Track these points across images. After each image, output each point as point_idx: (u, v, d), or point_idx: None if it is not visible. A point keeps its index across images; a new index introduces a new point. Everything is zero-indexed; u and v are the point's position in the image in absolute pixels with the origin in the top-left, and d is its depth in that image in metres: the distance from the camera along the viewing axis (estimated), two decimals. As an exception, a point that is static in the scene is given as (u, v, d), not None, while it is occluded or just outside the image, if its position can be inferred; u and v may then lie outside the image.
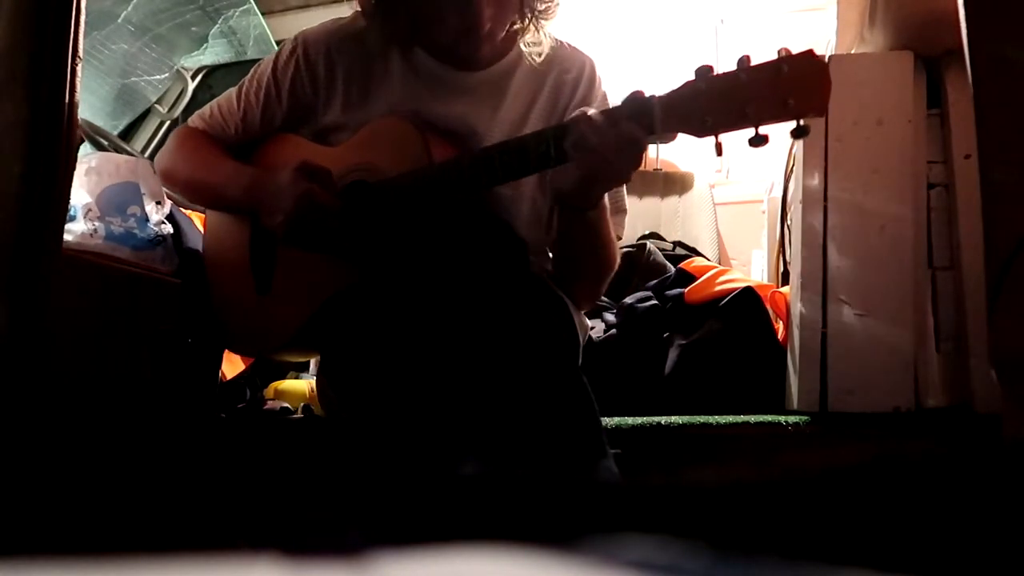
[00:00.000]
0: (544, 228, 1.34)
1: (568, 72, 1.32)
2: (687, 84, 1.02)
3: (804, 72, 0.96)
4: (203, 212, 1.66)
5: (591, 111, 1.07)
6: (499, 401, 0.96)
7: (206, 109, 1.41)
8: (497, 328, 0.99)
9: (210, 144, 1.38)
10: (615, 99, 1.28)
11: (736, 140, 1.02)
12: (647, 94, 1.06)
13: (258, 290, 1.34)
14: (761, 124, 0.98)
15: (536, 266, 1.31)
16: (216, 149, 1.37)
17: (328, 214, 1.20)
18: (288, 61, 1.33)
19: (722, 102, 0.99)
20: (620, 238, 1.35)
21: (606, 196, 1.18)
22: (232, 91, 1.40)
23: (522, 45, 1.29)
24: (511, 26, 1.26)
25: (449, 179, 1.16)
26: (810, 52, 0.97)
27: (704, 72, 1.01)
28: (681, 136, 1.08)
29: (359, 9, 1.29)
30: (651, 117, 1.03)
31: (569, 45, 1.37)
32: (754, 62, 0.99)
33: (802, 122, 0.97)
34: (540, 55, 1.30)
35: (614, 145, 1.04)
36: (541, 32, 1.28)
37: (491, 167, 1.14)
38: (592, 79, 1.33)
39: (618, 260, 1.31)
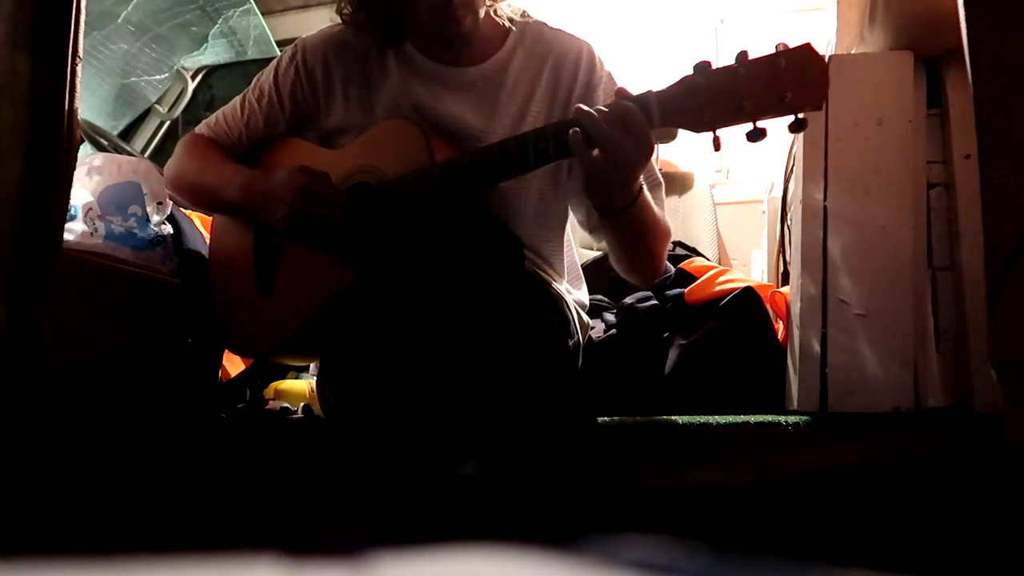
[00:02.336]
0: (554, 222, 1.34)
1: (566, 58, 1.32)
2: (685, 79, 1.02)
3: (801, 66, 0.96)
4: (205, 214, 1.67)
5: (588, 108, 1.07)
6: (493, 401, 0.96)
7: (212, 117, 1.44)
8: (491, 328, 1.00)
9: (214, 149, 1.40)
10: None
11: (737, 140, 1.02)
12: (642, 90, 1.06)
13: (260, 291, 1.35)
14: (759, 119, 0.98)
15: (535, 263, 1.31)
16: (219, 153, 1.40)
17: (331, 206, 1.21)
18: (288, 68, 1.36)
19: (719, 96, 0.99)
20: (663, 211, 1.35)
21: (645, 189, 1.17)
22: (236, 99, 1.42)
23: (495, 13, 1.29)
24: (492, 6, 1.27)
25: (450, 179, 1.16)
26: (807, 46, 0.97)
27: (702, 67, 1.01)
28: (681, 135, 1.08)
29: (342, 21, 1.31)
30: (649, 111, 1.03)
31: (564, 32, 1.36)
32: (751, 56, 0.99)
33: (800, 116, 0.97)
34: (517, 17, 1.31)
35: (614, 138, 1.03)
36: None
37: (490, 166, 1.14)
38: (592, 62, 1.33)
39: (670, 229, 1.30)
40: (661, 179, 1.35)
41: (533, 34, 1.34)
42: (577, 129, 1.05)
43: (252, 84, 1.41)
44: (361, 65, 1.34)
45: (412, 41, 1.33)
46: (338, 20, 1.36)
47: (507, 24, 1.31)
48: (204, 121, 1.45)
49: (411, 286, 1.04)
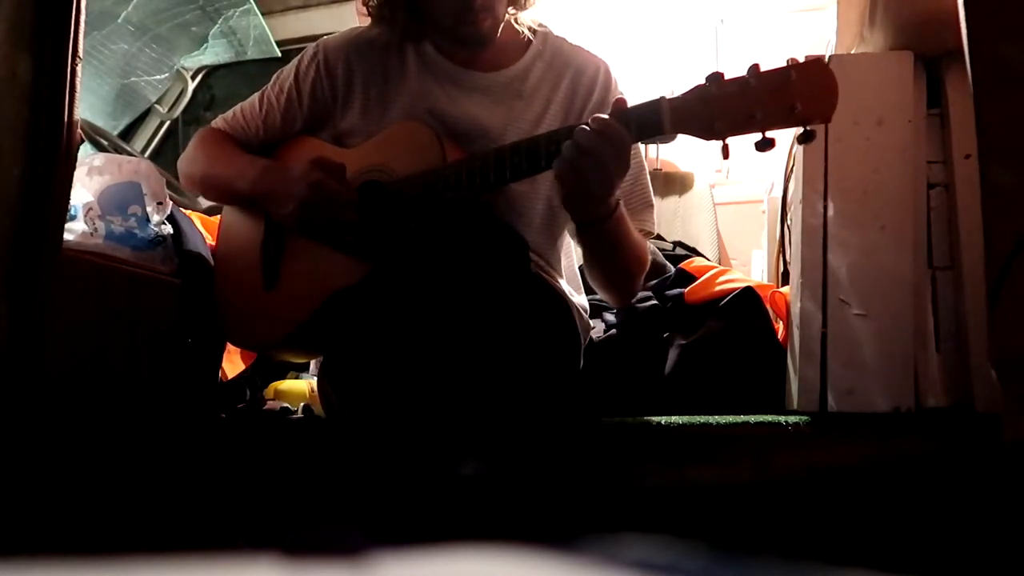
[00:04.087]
0: (559, 228, 1.35)
1: (583, 75, 1.34)
2: (697, 88, 1.03)
3: (812, 79, 0.98)
4: (204, 213, 1.67)
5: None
6: (496, 401, 0.96)
7: (229, 112, 1.46)
8: (495, 329, 1.00)
9: (228, 142, 1.42)
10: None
11: (737, 141, 1.03)
12: (652, 95, 1.07)
13: (265, 285, 1.35)
14: (768, 129, 0.99)
15: (539, 265, 1.31)
16: (233, 146, 1.42)
17: (340, 204, 1.21)
18: (309, 67, 1.38)
19: (730, 107, 1.00)
20: (652, 233, 1.36)
21: (622, 205, 1.18)
22: (255, 95, 1.44)
23: (514, 23, 1.30)
24: (513, 13, 1.27)
25: (460, 179, 1.17)
26: (818, 60, 0.99)
27: (715, 77, 1.02)
28: (685, 137, 1.08)
29: (366, 15, 1.33)
30: (660, 118, 1.04)
31: (584, 49, 1.38)
32: (763, 68, 1.00)
33: (808, 128, 0.98)
34: (534, 31, 1.33)
35: (572, 158, 1.06)
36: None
37: (501, 167, 1.15)
38: (608, 82, 1.35)
39: (648, 256, 1.33)
40: (653, 201, 1.36)
41: (553, 48, 1.36)
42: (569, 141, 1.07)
43: (272, 81, 1.43)
44: (381, 66, 1.35)
45: (432, 42, 1.34)
46: (340, 22, 1.37)
47: (527, 34, 1.33)
48: (221, 116, 1.47)
49: (415, 285, 1.05)
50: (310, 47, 1.40)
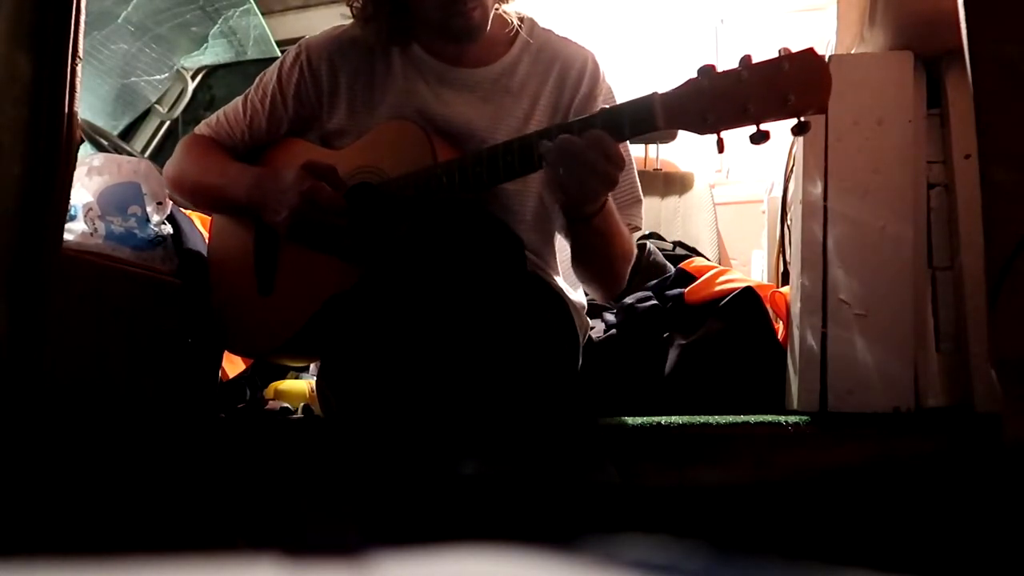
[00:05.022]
0: (552, 224, 1.35)
1: (571, 67, 1.33)
2: (689, 82, 1.03)
3: (804, 70, 0.97)
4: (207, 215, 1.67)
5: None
6: (495, 401, 0.96)
7: (212, 117, 1.43)
8: (493, 328, 0.99)
9: (215, 148, 1.40)
10: (620, 98, 1.29)
11: (736, 140, 1.03)
12: (646, 92, 1.06)
13: (260, 291, 1.35)
14: (762, 121, 0.99)
15: (536, 264, 1.31)
16: (221, 153, 1.39)
17: (332, 212, 1.21)
18: (292, 68, 1.36)
19: (723, 100, 1.00)
20: (639, 228, 1.36)
21: (611, 199, 1.18)
22: (238, 99, 1.42)
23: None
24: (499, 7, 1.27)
25: (453, 179, 1.16)
26: (810, 50, 0.98)
27: (706, 70, 1.01)
28: (681, 135, 1.08)
29: (351, 15, 1.31)
30: (652, 114, 1.04)
31: (571, 40, 1.37)
32: (755, 60, 0.99)
33: (803, 119, 0.98)
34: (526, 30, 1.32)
35: (565, 163, 1.06)
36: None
37: (494, 166, 1.14)
38: (595, 74, 1.34)
39: (634, 250, 1.32)
40: (641, 196, 1.36)
41: (540, 40, 1.35)
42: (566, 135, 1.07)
43: (254, 84, 1.40)
44: (366, 65, 1.34)
45: (419, 42, 1.33)
46: (340, 22, 1.36)
47: (515, 23, 1.32)
48: (204, 121, 1.44)
49: (411, 287, 1.05)
50: (292, 48, 1.38)
